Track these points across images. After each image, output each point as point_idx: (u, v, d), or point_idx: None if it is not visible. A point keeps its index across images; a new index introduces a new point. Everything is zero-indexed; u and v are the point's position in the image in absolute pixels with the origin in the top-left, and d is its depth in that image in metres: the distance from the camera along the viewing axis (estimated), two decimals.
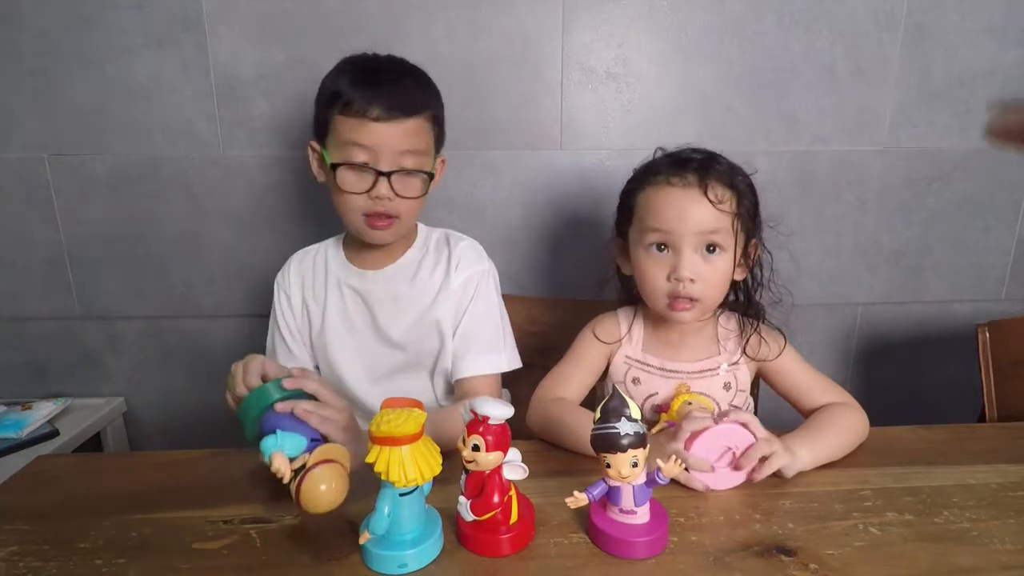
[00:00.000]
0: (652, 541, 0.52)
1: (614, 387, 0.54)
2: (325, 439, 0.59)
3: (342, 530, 0.56)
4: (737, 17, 1.11)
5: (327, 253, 0.91)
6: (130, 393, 1.27)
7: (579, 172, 1.17)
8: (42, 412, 1.13)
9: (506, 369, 0.85)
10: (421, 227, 0.91)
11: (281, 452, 0.51)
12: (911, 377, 1.31)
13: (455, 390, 0.86)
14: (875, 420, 0.72)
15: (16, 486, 0.67)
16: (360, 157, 0.76)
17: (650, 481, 0.52)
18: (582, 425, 0.65)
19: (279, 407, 0.58)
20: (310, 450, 0.53)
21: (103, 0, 1.07)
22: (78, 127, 1.12)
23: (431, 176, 0.81)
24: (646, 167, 0.77)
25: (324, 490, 0.50)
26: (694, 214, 0.71)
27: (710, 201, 0.70)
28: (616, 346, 0.81)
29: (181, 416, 1.28)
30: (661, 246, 0.73)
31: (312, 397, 0.62)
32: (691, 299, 0.73)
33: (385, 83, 0.77)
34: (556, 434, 0.72)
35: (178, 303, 1.22)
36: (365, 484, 0.59)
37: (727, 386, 0.78)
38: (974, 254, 1.26)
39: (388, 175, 0.76)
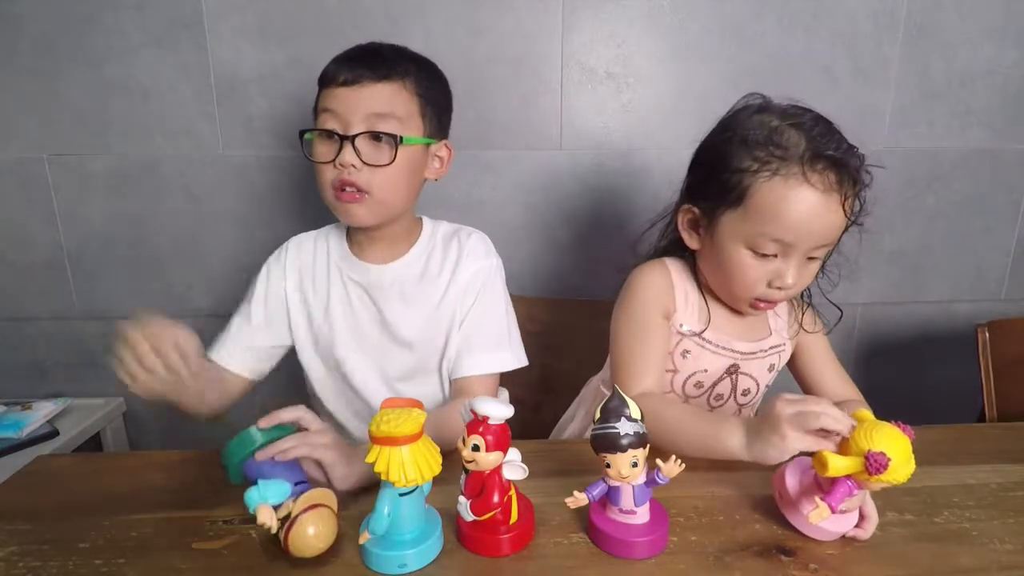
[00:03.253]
0: (652, 541, 0.52)
1: (615, 387, 0.54)
2: (313, 481, 0.57)
3: (342, 530, 0.56)
4: (737, 17, 1.11)
5: (328, 241, 0.85)
6: (130, 393, 1.27)
7: (579, 172, 1.17)
8: (42, 412, 1.13)
9: (510, 368, 0.82)
10: (426, 221, 0.87)
11: (266, 504, 0.50)
12: (911, 377, 1.31)
13: (451, 388, 0.83)
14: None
15: (16, 486, 0.67)
16: (328, 123, 0.73)
17: (650, 481, 0.52)
18: (685, 421, 0.62)
19: (259, 456, 0.56)
20: (294, 495, 0.52)
21: (103, 0, 1.07)
22: (78, 127, 1.13)
23: (399, 140, 0.73)
24: (767, 137, 0.63)
25: (313, 536, 0.49)
26: (825, 224, 0.62)
27: (843, 208, 0.62)
28: (671, 312, 0.74)
29: (181, 416, 1.28)
30: (772, 248, 0.64)
31: (297, 427, 0.59)
32: (777, 301, 0.69)
33: (361, 53, 0.75)
34: (656, 435, 0.58)
35: (178, 303, 1.22)
36: (358, 487, 0.59)
37: (771, 367, 0.77)
38: (974, 254, 1.26)
39: (352, 139, 0.71)
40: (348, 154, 0.72)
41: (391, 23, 1.09)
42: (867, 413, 0.53)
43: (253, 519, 0.52)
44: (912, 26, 1.12)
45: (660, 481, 0.52)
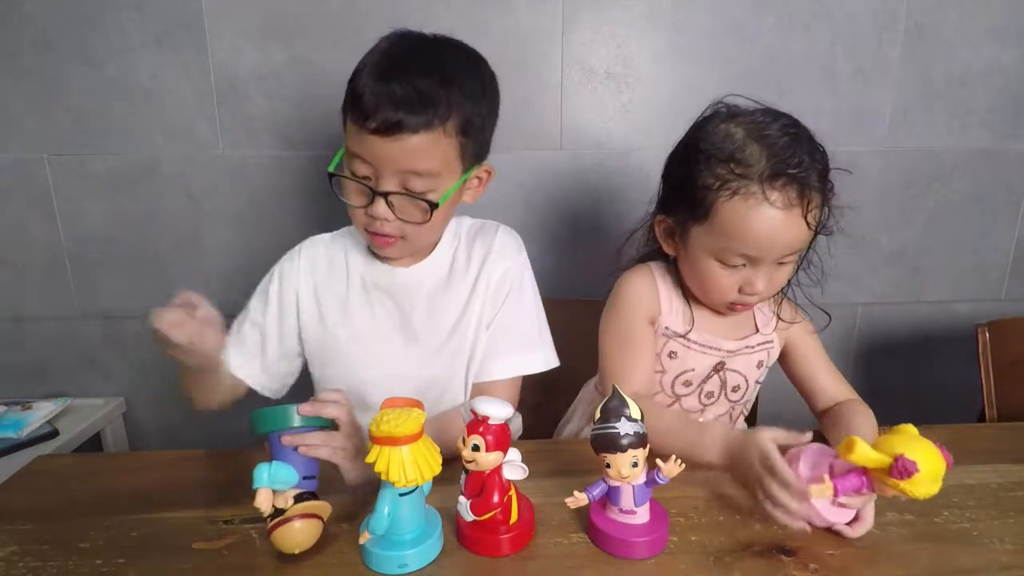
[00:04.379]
0: (652, 541, 0.52)
1: (614, 387, 0.54)
2: (323, 477, 0.57)
3: (342, 530, 0.56)
4: (737, 17, 1.11)
5: (346, 245, 0.80)
6: (130, 393, 1.27)
7: (579, 172, 1.17)
8: (42, 412, 1.13)
9: (539, 370, 0.77)
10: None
11: (267, 488, 0.51)
12: (911, 377, 1.31)
13: (471, 392, 0.78)
14: (882, 420, 0.71)
15: (16, 486, 0.67)
16: (361, 170, 0.67)
17: (650, 481, 0.52)
18: (670, 429, 0.63)
19: (285, 440, 0.56)
20: (298, 489, 0.53)
21: (103, 0, 1.07)
22: (78, 127, 1.12)
23: (434, 206, 0.68)
24: (729, 154, 0.63)
25: (297, 541, 0.51)
26: (788, 237, 0.63)
27: (807, 222, 0.63)
28: (656, 316, 0.75)
29: (181, 416, 1.28)
30: (740, 261, 0.66)
31: (334, 423, 0.59)
32: (752, 304, 0.71)
33: (397, 84, 0.64)
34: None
35: None
36: (365, 484, 0.59)
37: (760, 364, 0.78)
38: (974, 254, 1.26)
39: (385, 195, 0.67)
40: (381, 208, 0.67)
41: (392, 24, 1.08)
42: (913, 428, 0.52)
43: (253, 519, 0.53)
44: (912, 26, 1.12)
45: (660, 481, 0.52)
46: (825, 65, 1.13)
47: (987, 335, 0.97)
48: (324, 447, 0.57)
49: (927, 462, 0.47)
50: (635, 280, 0.76)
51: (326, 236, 0.83)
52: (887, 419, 0.73)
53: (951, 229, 1.24)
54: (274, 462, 0.52)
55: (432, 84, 0.65)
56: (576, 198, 1.19)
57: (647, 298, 0.75)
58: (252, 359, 0.78)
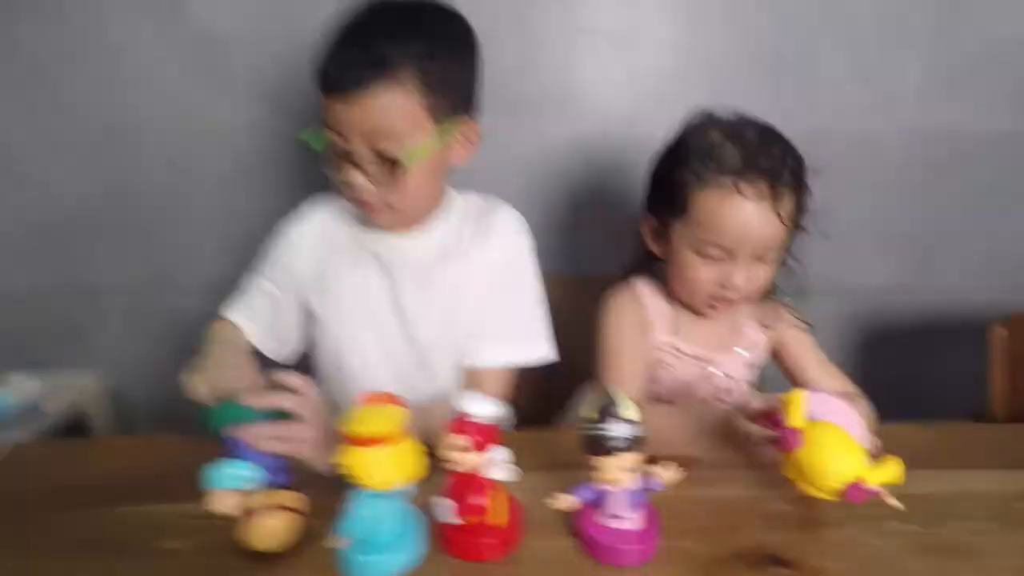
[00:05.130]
0: (643, 548, 0.50)
1: (608, 386, 0.51)
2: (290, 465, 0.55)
3: (318, 530, 0.53)
4: None
5: (342, 208, 0.78)
6: (115, 368, 1.24)
7: (582, 142, 1.12)
8: (22, 389, 1.09)
9: (534, 363, 0.75)
10: (453, 192, 0.80)
11: (221, 490, 0.48)
12: (922, 368, 1.27)
13: (462, 380, 0.75)
14: (883, 414, 0.68)
15: None
16: (337, 140, 0.65)
17: (644, 486, 0.49)
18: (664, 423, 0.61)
19: (235, 435, 0.53)
20: (266, 482, 0.50)
21: None
22: (51, 93, 1.07)
23: (401, 163, 0.66)
24: (705, 152, 0.68)
25: (270, 537, 0.49)
26: (760, 231, 0.66)
27: (778, 216, 0.66)
28: (649, 328, 0.77)
29: (170, 395, 1.25)
30: (717, 253, 0.69)
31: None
32: (733, 300, 0.71)
33: (353, 45, 0.64)
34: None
35: (163, 274, 1.19)
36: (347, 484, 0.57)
37: (749, 364, 0.80)
38: (994, 241, 1.21)
39: (355, 162, 0.66)
40: (354, 176, 0.66)
41: None
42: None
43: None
44: (942, 3, 1.05)
45: (655, 487, 0.49)
46: (846, 36, 1.06)
47: (1005, 328, 0.92)
48: (281, 441, 0.53)
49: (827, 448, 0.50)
50: (619, 299, 0.79)
51: (328, 197, 0.80)
52: (896, 414, 0.70)
53: (971, 214, 1.18)
54: (225, 460, 0.49)
55: (385, 41, 0.63)
56: (578, 169, 1.14)
57: (634, 312, 0.78)
58: (262, 323, 0.78)
